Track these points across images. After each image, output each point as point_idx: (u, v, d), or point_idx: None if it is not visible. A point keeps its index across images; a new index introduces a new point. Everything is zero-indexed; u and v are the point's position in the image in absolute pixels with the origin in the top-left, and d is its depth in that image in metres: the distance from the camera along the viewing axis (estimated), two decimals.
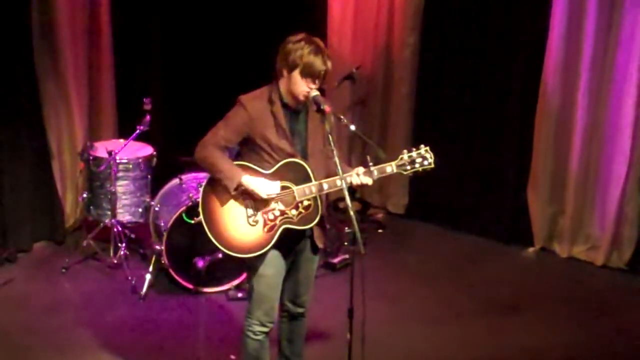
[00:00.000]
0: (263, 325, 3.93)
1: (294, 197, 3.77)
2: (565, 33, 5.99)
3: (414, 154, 3.83)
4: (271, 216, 3.77)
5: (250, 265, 3.87)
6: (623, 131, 5.89)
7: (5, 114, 5.74)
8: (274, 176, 3.76)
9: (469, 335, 5.09)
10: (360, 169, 3.77)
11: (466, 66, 6.59)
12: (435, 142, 3.99)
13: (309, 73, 3.65)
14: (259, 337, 3.95)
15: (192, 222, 5.25)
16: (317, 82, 3.69)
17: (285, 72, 3.71)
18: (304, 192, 3.76)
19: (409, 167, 3.83)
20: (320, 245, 3.94)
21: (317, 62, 3.65)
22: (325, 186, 3.74)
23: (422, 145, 3.86)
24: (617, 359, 4.93)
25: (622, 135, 5.91)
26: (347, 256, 5.91)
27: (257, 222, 3.77)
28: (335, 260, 5.88)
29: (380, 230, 6.76)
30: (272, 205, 3.77)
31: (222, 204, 3.77)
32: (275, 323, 4.06)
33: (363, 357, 3.87)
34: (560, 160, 6.24)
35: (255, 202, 3.77)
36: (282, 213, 3.78)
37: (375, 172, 3.78)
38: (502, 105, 6.46)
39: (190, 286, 5.42)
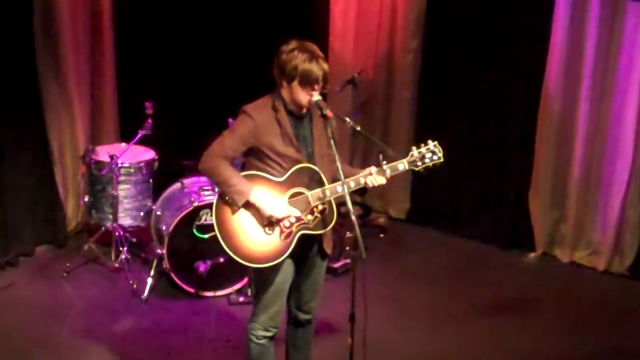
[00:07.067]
0: (267, 330, 3.91)
1: (309, 203, 3.75)
2: (567, 38, 5.99)
3: (423, 149, 3.85)
4: (287, 223, 3.73)
5: (258, 271, 3.84)
6: (625, 137, 5.89)
7: (7, 117, 5.74)
8: (287, 183, 3.73)
9: (470, 340, 5.09)
10: (373, 169, 3.78)
11: (468, 71, 6.59)
12: None
13: (307, 81, 3.65)
14: (262, 342, 3.93)
15: (206, 237, 5.26)
16: (317, 87, 3.69)
17: (284, 83, 3.70)
18: (319, 196, 3.75)
19: (419, 163, 3.85)
20: (328, 251, 3.92)
21: (314, 69, 3.64)
22: (339, 189, 3.70)
23: (430, 141, 3.88)
24: None
25: (624, 141, 5.90)
26: (348, 261, 5.90)
27: (273, 230, 3.74)
28: (337, 265, 5.87)
29: (381, 235, 6.75)
30: (287, 212, 3.74)
31: (236, 215, 3.72)
32: (282, 329, 4.04)
33: None
34: (562, 165, 6.23)
35: None
36: (298, 219, 3.75)
37: (388, 171, 3.79)
38: (503, 110, 6.45)
39: (192, 290, 5.43)
